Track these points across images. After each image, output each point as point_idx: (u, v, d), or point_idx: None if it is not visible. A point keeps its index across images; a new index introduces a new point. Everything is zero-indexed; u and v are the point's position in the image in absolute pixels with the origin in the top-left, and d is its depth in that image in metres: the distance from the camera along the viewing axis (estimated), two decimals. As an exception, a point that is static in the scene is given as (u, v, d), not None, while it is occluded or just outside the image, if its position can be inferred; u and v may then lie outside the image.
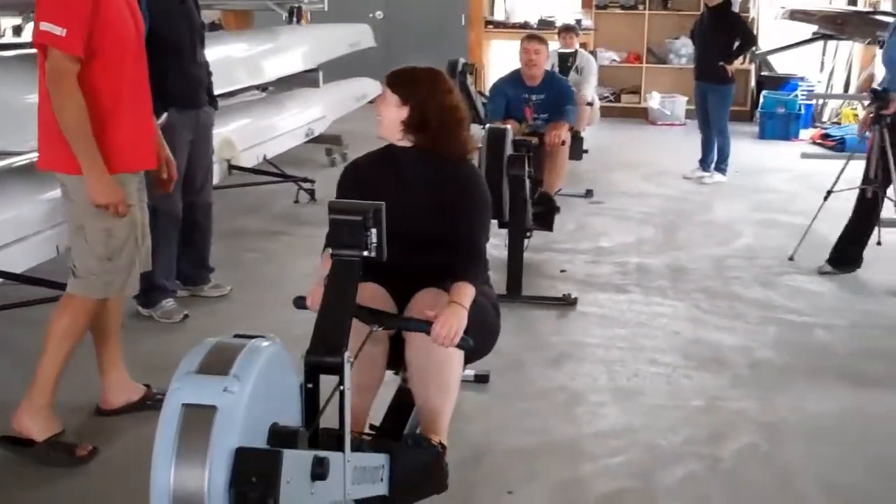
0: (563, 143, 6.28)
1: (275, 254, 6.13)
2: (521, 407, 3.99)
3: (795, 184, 8.63)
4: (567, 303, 5.24)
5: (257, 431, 1.90)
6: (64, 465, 3.38)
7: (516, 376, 4.27)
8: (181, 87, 4.69)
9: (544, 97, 6.52)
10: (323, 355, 2.23)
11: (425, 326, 2.76)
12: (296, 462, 1.89)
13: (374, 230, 2.34)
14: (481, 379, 4.13)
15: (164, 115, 4.56)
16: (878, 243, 5.79)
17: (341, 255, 2.34)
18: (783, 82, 12.11)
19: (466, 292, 2.87)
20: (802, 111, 11.39)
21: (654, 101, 12.34)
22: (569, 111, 6.44)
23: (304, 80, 8.56)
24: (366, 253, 2.35)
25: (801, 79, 12.14)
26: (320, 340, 2.25)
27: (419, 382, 2.97)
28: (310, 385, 2.23)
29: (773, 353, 4.65)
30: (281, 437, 1.93)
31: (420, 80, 3.08)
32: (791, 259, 6.13)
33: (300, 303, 2.84)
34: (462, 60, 9.57)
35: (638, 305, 5.30)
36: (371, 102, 10.72)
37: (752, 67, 12.40)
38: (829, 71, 12.31)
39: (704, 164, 8.91)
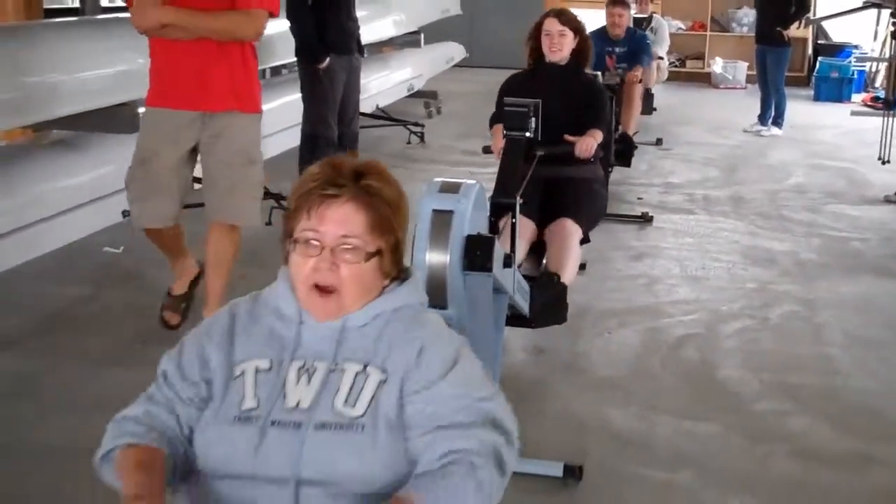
0: (640, 80, 7.63)
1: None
2: (611, 285, 5.13)
3: (844, 138, 9.63)
4: (645, 219, 6.36)
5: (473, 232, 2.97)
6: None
7: (606, 266, 5.40)
8: (338, 37, 5.86)
9: (626, 50, 7.71)
10: (502, 197, 3.38)
11: (571, 147, 4.21)
12: (497, 249, 2.98)
13: (533, 118, 3.48)
14: (580, 267, 5.24)
15: (327, 60, 5.74)
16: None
17: (512, 135, 3.49)
18: (838, 50, 13.04)
19: (596, 133, 4.33)
20: (855, 76, 12.32)
21: (717, 66, 13.34)
22: (644, 58, 7.68)
23: (407, 41, 9.71)
24: (528, 133, 3.49)
25: (855, 47, 13.06)
26: (500, 188, 3.41)
27: (554, 250, 4.12)
28: (492, 218, 3.36)
29: (815, 255, 5.73)
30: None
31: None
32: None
33: (487, 149, 4.38)
34: (545, 24, 10.61)
35: (704, 223, 6.41)
36: (458, 66, 11.95)
37: (809, 35, 13.33)
38: (882, 39, 13.17)
39: (762, 119, 9.94)
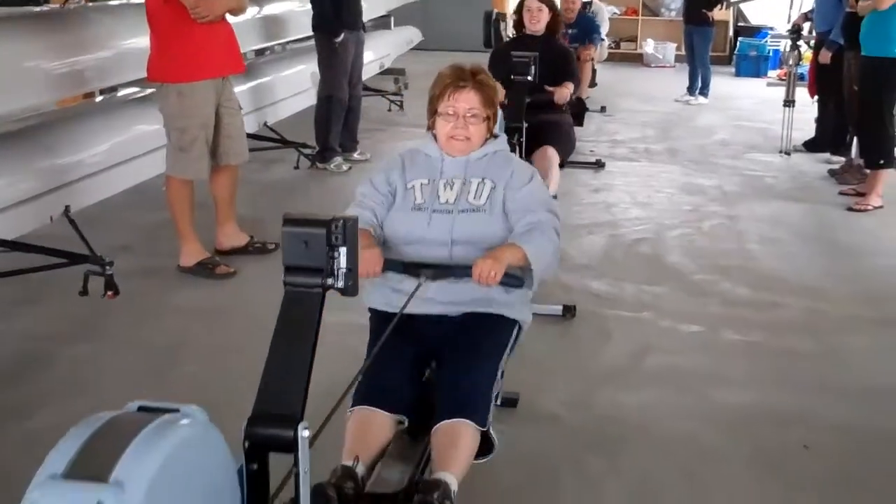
0: (592, 59, 8.95)
1: (382, 140, 8.59)
2: (578, 209, 6.48)
3: (761, 105, 11.13)
4: (598, 165, 7.73)
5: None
6: (206, 278, 4.94)
7: (572, 197, 6.74)
8: (351, 16, 7.12)
9: (577, 31, 9.13)
10: (512, 122, 4.68)
11: (551, 95, 5.44)
12: None
13: (533, 66, 4.77)
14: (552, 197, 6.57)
15: (342, 35, 6.99)
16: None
17: (518, 79, 4.78)
18: (756, 31, 14.62)
19: (569, 84, 5.67)
20: (771, 54, 13.87)
21: (648, 47, 14.82)
22: (595, 39, 9.10)
23: (379, 23, 10.96)
24: (529, 77, 4.78)
25: (771, 28, 14.62)
26: (511, 116, 4.70)
27: (540, 171, 5.41)
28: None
29: (737, 188, 7.16)
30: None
31: None
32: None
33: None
34: (495, 11, 11.91)
35: (646, 167, 7.82)
36: (414, 49, 13.20)
37: (731, 18, 14.86)
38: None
39: (691, 89, 11.40)
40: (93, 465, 1.33)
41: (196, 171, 4.92)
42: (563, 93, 5.64)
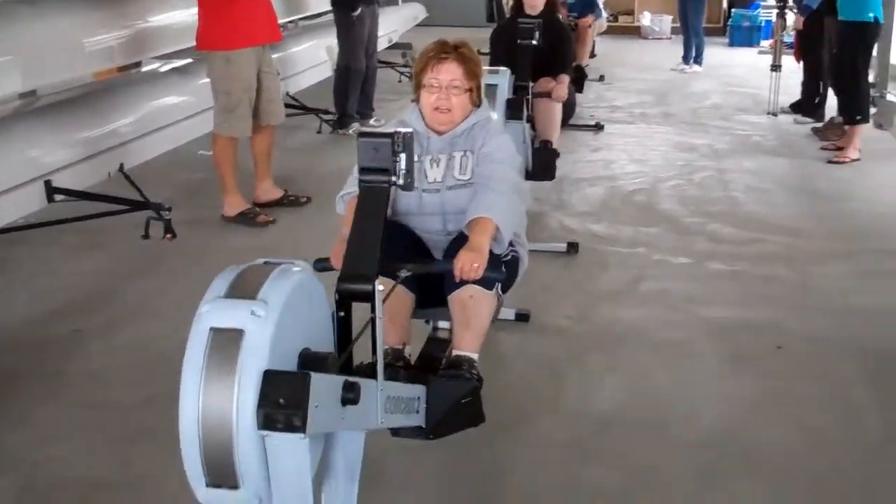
0: (590, 25, 9.75)
1: (393, 109, 9.09)
2: (580, 165, 7.04)
3: (752, 72, 11.65)
4: (598, 127, 8.29)
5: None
6: (248, 226, 5.53)
7: (575, 155, 7.29)
8: (366, -9, 7.67)
9: (574, 1, 9.63)
10: (518, 82, 5.23)
11: (549, 93, 5.78)
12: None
13: (538, 32, 5.31)
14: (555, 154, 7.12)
15: (359, 9, 7.53)
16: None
17: (524, 43, 5.31)
18: (749, 2, 15.09)
19: (564, 78, 5.90)
20: (763, 24, 14.36)
21: (645, 19, 15.33)
22: (596, 10, 9.79)
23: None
24: (534, 42, 5.30)
25: (763, -1, 15.14)
26: (517, 76, 5.26)
27: (542, 122, 5.92)
28: (514, 95, 5.19)
29: (727, 146, 7.71)
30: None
31: None
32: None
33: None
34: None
35: (642, 129, 8.38)
36: (419, 25, 13.71)
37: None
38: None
39: (685, 58, 11.93)
40: (243, 289, 1.91)
41: (241, 129, 5.49)
42: (560, 92, 5.75)
